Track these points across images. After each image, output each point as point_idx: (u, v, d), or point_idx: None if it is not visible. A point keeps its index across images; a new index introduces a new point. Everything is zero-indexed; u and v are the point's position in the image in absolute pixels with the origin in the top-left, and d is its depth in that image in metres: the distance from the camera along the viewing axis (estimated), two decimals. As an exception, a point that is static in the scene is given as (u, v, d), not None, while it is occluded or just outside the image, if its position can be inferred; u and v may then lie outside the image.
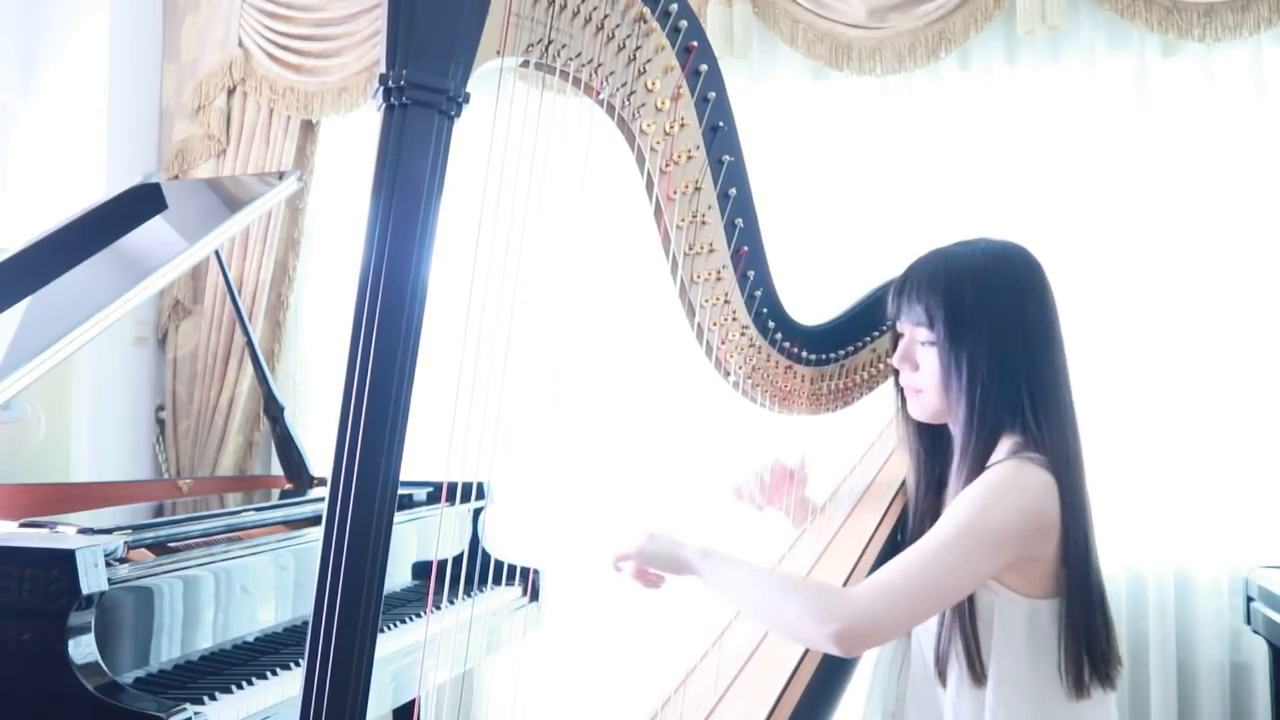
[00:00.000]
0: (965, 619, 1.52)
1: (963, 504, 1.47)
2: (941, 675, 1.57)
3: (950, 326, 1.54)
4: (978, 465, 1.52)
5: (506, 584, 2.72)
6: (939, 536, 1.45)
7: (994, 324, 1.53)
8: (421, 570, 2.64)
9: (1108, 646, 1.50)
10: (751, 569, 1.52)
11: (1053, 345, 1.56)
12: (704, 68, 1.56)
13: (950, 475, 1.58)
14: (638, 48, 1.49)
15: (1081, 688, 1.48)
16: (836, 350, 1.81)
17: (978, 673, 1.51)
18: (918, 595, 1.43)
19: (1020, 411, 1.52)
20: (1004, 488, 1.46)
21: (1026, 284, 1.56)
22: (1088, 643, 1.48)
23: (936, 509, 1.55)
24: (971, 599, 1.51)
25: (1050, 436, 1.50)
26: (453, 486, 2.47)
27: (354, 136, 3.64)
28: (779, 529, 1.93)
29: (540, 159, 1.34)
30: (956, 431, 1.59)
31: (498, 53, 1.25)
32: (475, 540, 2.77)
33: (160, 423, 3.70)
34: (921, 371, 1.59)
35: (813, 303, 1.81)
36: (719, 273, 1.66)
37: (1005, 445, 1.52)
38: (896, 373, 1.66)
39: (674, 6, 1.51)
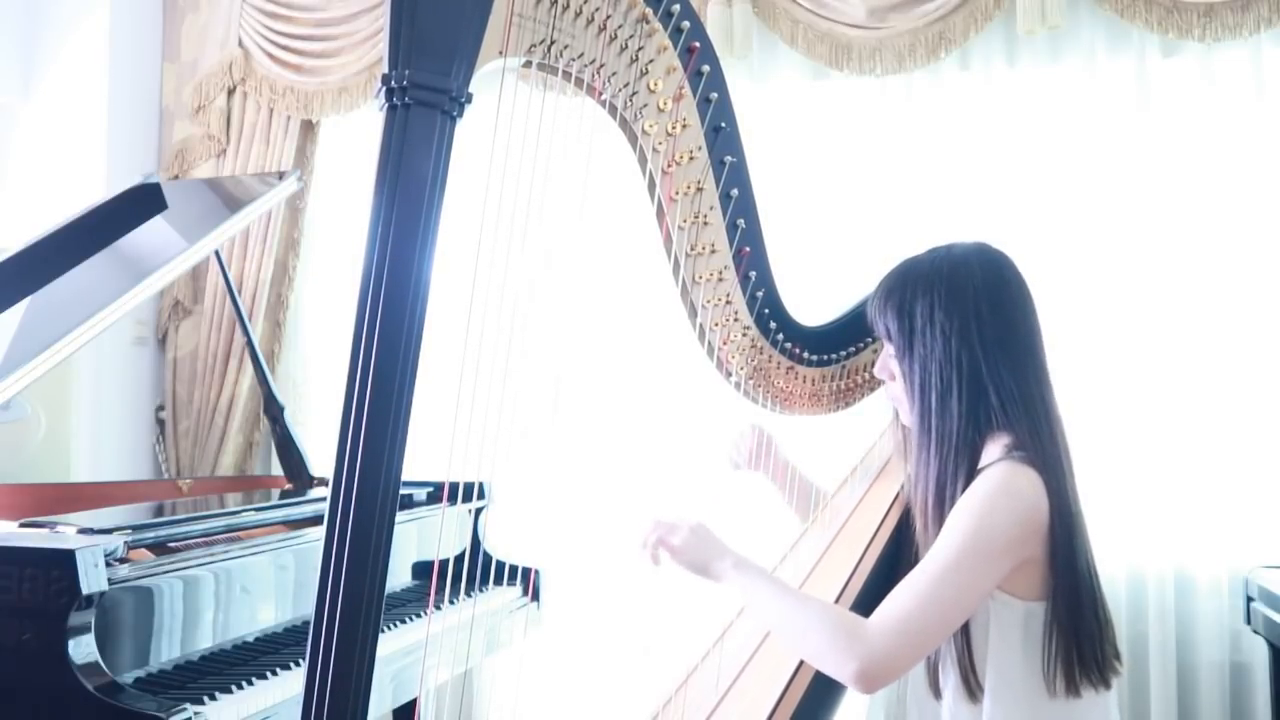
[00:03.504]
0: (958, 631, 1.52)
1: (961, 517, 1.47)
2: (935, 686, 1.58)
3: (904, 337, 1.58)
4: (967, 471, 1.53)
5: (507, 584, 2.72)
6: (942, 559, 1.45)
7: (946, 331, 1.54)
8: (422, 570, 2.63)
9: (1100, 646, 1.50)
10: (780, 592, 1.52)
11: (1019, 345, 1.56)
12: (706, 69, 1.56)
13: (922, 483, 1.58)
14: (640, 48, 1.49)
15: (1073, 687, 1.48)
16: (838, 351, 1.81)
17: (972, 687, 1.51)
18: (931, 626, 1.44)
19: (993, 413, 1.53)
20: (997, 494, 1.47)
21: (985, 288, 1.56)
22: (1077, 642, 1.48)
23: (938, 516, 1.55)
24: None
25: (1029, 435, 1.51)
26: (453, 486, 2.47)
27: (354, 136, 3.64)
28: (783, 520, 1.93)
29: (542, 160, 1.34)
30: (913, 438, 1.60)
31: (500, 53, 1.25)
32: (475, 540, 2.77)
33: (160, 423, 3.69)
34: (897, 381, 1.63)
35: (814, 303, 1.82)
36: (721, 273, 1.66)
37: (997, 446, 1.53)
38: None
39: (676, 7, 1.51)
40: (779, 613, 1.50)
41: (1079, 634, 1.49)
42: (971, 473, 1.52)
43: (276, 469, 3.09)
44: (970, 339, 1.54)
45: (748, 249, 1.66)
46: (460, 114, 1.16)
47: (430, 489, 2.67)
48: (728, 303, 1.68)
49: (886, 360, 1.65)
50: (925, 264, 1.61)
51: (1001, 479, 1.48)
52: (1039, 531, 1.48)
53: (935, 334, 1.55)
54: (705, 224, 1.63)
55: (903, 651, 1.43)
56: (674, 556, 1.55)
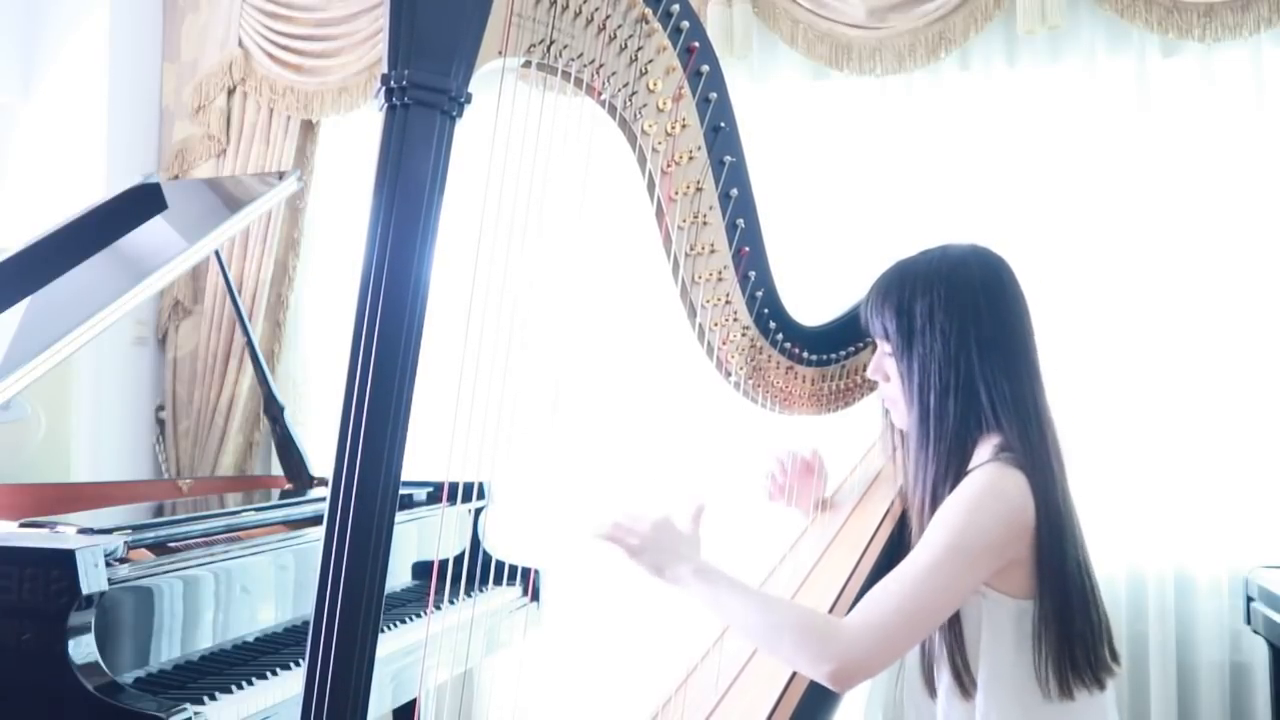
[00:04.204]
0: (949, 626, 1.52)
1: (945, 517, 1.47)
2: (930, 684, 1.58)
3: (902, 337, 1.58)
4: (956, 471, 1.53)
5: (507, 584, 2.72)
6: (925, 558, 1.45)
7: (945, 331, 1.54)
8: (422, 570, 2.63)
9: (1093, 647, 1.50)
10: (746, 598, 1.50)
11: (1014, 346, 1.56)
12: (705, 68, 1.56)
13: (920, 484, 1.58)
14: (639, 48, 1.49)
15: (1065, 688, 1.48)
16: (837, 351, 1.81)
17: (965, 684, 1.51)
18: (909, 624, 1.44)
19: (983, 414, 1.53)
20: (983, 495, 1.47)
21: (983, 289, 1.56)
22: (1069, 644, 1.48)
23: (933, 516, 1.55)
24: None
25: (1019, 437, 1.51)
26: (453, 486, 2.47)
27: (354, 136, 3.64)
28: (783, 523, 1.93)
29: (542, 160, 1.34)
30: (911, 439, 1.60)
31: (499, 53, 1.25)
32: (475, 540, 2.77)
33: (160, 423, 3.69)
34: (892, 382, 1.63)
35: (814, 303, 1.82)
36: (720, 273, 1.66)
37: (987, 448, 1.53)
38: None
39: (675, 7, 1.51)
40: (747, 618, 1.49)
41: (1070, 636, 1.48)
42: (961, 474, 1.52)
43: (276, 469, 3.09)
44: (968, 340, 1.54)
45: (747, 249, 1.66)
46: (460, 114, 1.16)
47: (430, 489, 2.67)
48: (727, 302, 1.68)
49: (881, 361, 1.64)
50: (922, 264, 1.61)
51: (987, 480, 1.48)
52: (1024, 533, 1.48)
53: (935, 334, 1.55)
54: (704, 224, 1.62)
55: (879, 650, 1.43)
56: (632, 558, 1.54)
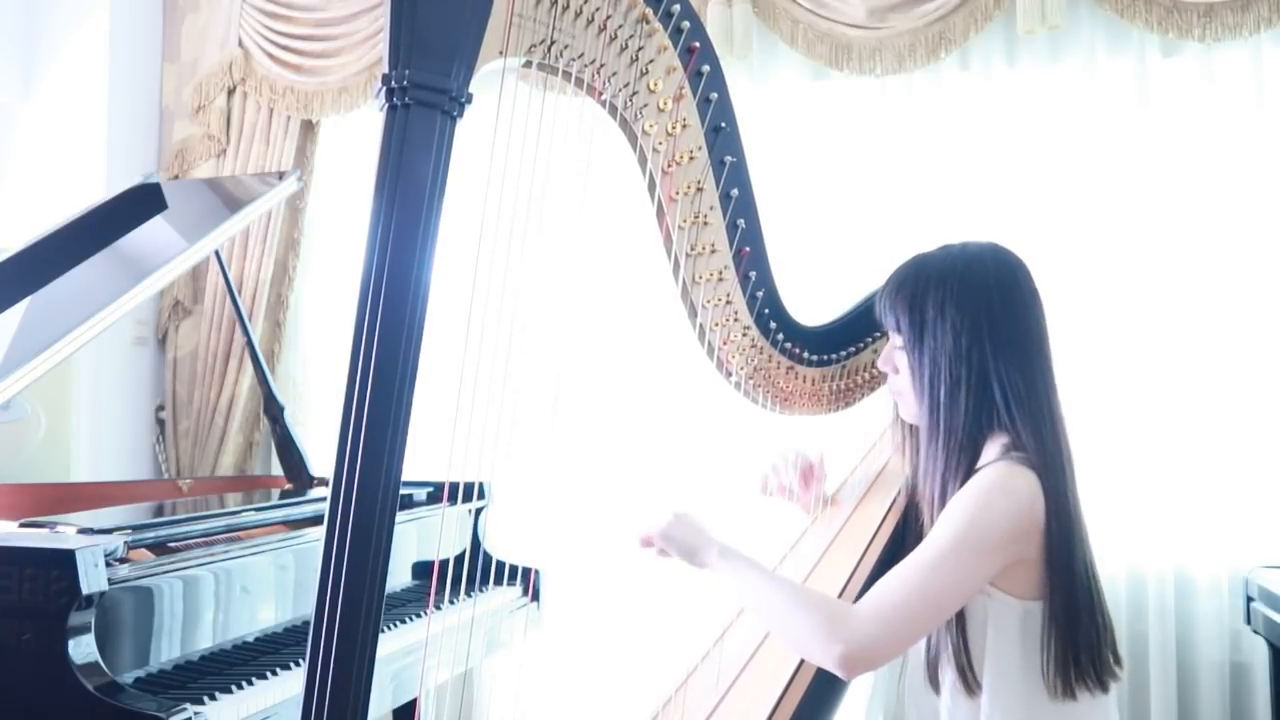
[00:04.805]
0: (955, 625, 1.52)
1: (954, 513, 1.48)
2: (934, 681, 1.58)
3: (915, 330, 1.59)
4: (966, 468, 1.53)
5: (507, 584, 2.72)
6: (933, 550, 1.46)
7: (957, 326, 1.55)
8: (422, 570, 2.63)
9: (1098, 649, 1.50)
10: (765, 578, 1.53)
11: (1029, 346, 1.57)
12: (706, 69, 1.56)
13: (930, 477, 1.59)
14: (640, 49, 1.49)
15: (1068, 689, 1.48)
16: (838, 351, 1.82)
17: (969, 682, 1.52)
18: (917, 615, 1.45)
19: (996, 412, 1.53)
20: (992, 492, 1.47)
21: (998, 286, 1.57)
22: (1074, 644, 1.48)
23: (942, 510, 1.55)
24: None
25: (1031, 436, 1.51)
26: (453, 486, 2.47)
27: (354, 136, 3.64)
28: (786, 521, 1.93)
29: (542, 160, 1.34)
30: (922, 433, 1.60)
31: (500, 53, 1.25)
32: (476, 540, 2.77)
33: (160, 423, 3.69)
34: (901, 374, 1.63)
35: (814, 303, 1.82)
36: (721, 273, 1.66)
37: (995, 446, 1.54)
38: None
39: (676, 7, 1.51)
40: (764, 597, 1.51)
41: (1076, 637, 1.49)
42: (970, 470, 1.53)
43: (276, 469, 3.09)
44: (981, 336, 1.54)
45: (747, 249, 1.66)
46: (460, 114, 1.16)
47: (430, 489, 2.67)
48: (728, 303, 1.68)
49: (892, 353, 1.65)
50: (939, 259, 1.61)
51: (998, 478, 1.48)
52: (1033, 532, 1.48)
53: (946, 328, 1.55)
54: (705, 224, 1.62)
55: (887, 639, 1.44)
56: (664, 545, 1.59)
